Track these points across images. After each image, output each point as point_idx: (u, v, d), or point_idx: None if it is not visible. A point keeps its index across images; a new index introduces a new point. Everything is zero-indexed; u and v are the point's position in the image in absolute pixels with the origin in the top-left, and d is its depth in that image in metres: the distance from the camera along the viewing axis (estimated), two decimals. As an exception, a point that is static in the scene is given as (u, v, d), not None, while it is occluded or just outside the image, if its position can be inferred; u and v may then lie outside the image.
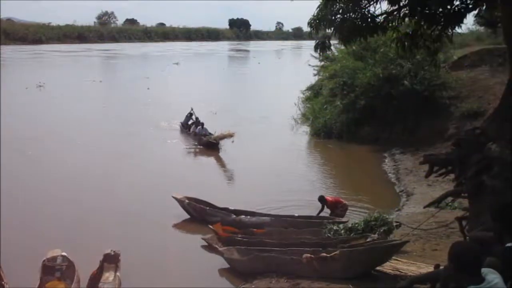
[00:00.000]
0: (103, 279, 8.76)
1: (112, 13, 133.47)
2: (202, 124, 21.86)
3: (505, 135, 7.17)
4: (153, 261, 10.26)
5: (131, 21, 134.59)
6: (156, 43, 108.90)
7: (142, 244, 11.01)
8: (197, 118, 23.06)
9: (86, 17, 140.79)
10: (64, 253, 9.03)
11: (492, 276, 3.52)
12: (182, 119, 24.22)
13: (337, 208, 12.39)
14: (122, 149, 19.84)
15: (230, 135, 19.63)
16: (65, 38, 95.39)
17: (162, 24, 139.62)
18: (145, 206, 13.36)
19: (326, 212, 12.62)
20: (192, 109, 23.91)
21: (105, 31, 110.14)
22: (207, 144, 20.14)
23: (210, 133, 21.05)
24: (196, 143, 21.06)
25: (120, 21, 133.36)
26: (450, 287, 3.77)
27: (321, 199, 12.51)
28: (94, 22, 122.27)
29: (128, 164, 17.57)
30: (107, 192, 14.54)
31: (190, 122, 23.40)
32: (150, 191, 14.58)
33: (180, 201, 12.74)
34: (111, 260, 9.13)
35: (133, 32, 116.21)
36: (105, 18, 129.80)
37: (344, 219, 11.72)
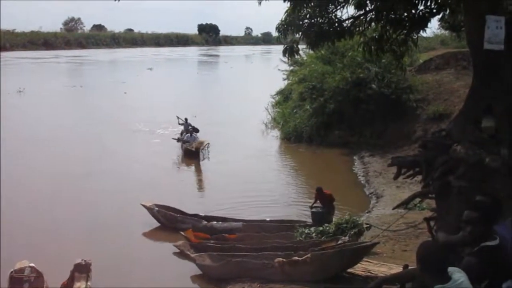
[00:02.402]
0: (74, 289, 8.61)
1: (79, 19, 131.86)
2: (191, 132, 21.51)
3: (469, 136, 7.32)
4: (125, 269, 10.15)
5: (99, 27, 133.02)
6: (124, 49, 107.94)
7: (113, 253, 10.88)
8: (189, 125, 22.67)
9: (52, 23, 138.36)
10: (32, 264, 8.84)
11: (458, 275, 3.59)
12: (161, 124, 24.06)
13: (331, 203, 12.14)
14: (95, 155, 19.65)
15: (198, 143, 19.63)
16: (31, 45, 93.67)
17: (130, 30, 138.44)
18: (115, 214, 13.22)
19: (303, 215, 12.65)
20: (178, 118, 23.22)
21: (72, 37, 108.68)
22: (186, 152, 19.97)
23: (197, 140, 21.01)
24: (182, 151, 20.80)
25: (87, 27, 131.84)
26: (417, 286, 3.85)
27: (319, 190, 12.26)
28: (61, 28, 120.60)
29: (100, 171, 17.36)
30: (77, 200, 14.33)
31: (183, 129, 22.79)
32: (121, 199, 14.40)
33: (149, 209, 12.63)
34: (82, 270, 8.97)
35: (101, 38, 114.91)
36: (72, 24, 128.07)
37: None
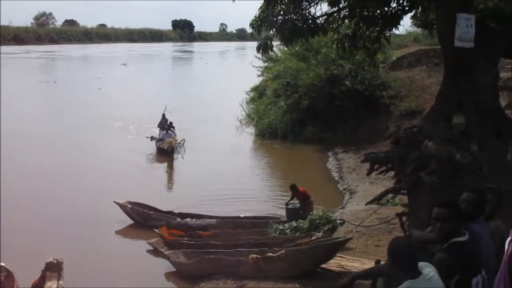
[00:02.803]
0: (45, 289, 8.47)
1: (51, 13, 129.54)
2: (167, 128, 21.25)
3: (441, 133, 7.43)
4: (98, 268, 10.04)
5: (71, 22, 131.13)
6: (97, 44, 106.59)
7: (86, 251, 10.74)
8: (166, 121, 22.47)
9: (23, 18, 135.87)
10: (2, 263, 8.68)
11: (428, 269, 3.64)
12: (137, 120, 23.83)
13: (307, 200, 12.19)
14: (68, 151, 19.39)
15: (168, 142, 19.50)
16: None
17: (103, 25, 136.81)
18: (88, 212, 13.04)
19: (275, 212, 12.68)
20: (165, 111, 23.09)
21: (43, 32, 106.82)
22: (159, 150, 19.79)
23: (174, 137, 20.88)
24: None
25: (59, 22, 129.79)
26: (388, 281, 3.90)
27: (293, 187, 12.36)
28: (31, 23, 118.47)
29: (72, 168, 17.14)
30: (49, 197, 14.12)
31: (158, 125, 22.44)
32: (94, 196, 14.23)
33: (122, 206, 12.51)
34: (53, 269, 8.81)
35: (72, 33, 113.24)
36: (43, 19, 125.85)
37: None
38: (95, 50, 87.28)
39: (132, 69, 55.93)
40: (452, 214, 4.04)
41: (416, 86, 20.82)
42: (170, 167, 18.86)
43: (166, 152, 19.31)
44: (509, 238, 1.71)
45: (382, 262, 4.23)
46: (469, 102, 7.52)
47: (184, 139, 20.99)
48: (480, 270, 3.98)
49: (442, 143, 7.26)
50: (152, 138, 20.46)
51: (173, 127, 21.87)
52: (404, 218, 8.50)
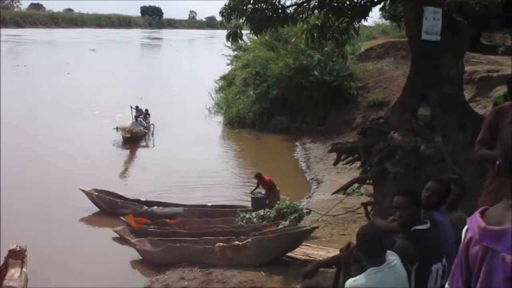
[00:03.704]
0: (8, 276, 8.31)
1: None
2: (137, 116, 20.92)
3: (406, 124, 7.54)
4: (62, 255, 9.93)
5: (36, 6, 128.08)
6: (64, 29, 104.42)
7: (50, 239, 10.61)
8: (139, 110, 22.15)
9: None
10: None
11: (391, 257, 3.72)
12: (106, 106, 23.46)
13: (272, 189, 12.22)
14: (34, 137, 19.01)
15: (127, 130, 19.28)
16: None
17: (70, 10, 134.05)
18: (53, 199, 12.85)
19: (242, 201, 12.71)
20: (132, 108, 22.43)
21: (7, 15, 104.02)
22: (123, 138, 19.52)
23: (146, 127, 20.64)
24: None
25: (24, 5, 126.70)
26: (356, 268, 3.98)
27: (258, 176, 12.38)
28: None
29: (38, 154, 16.84)
30: (13, 184, 13.81)
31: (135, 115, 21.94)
32: (59, 183, 14.01)
33: (88, 194, 12.37)
34: (16, 256, 8.68)
35: (38, 17, 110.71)
36: (7, 2, 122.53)
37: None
38: (62, 35, 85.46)
39: (101, 55, 55.06)
40: (412, 202, 4.12)
41: (383, 77, 21.05)
42: (137, 155, 18.70)
43: (129, 140, 19.12)
44: (465, 227, 1.76)
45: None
46: (434, 94, 7.64)
47: (153, 124, 20.94)
48: (440, 258, 4.08)
49: (407, 134, 7.37)
50: (117, 129, 20.05)
51: (149, 114, 21.73)
52: (369, 208, 8.62)
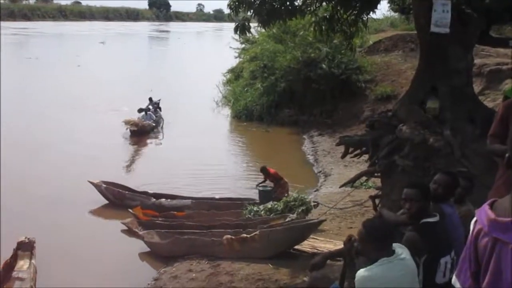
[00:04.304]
0: (18, 268, 8.38)
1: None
2: (147, 110, 20.81)
3: (415, 117, 7.51)
4: (71, 247, 9.98)
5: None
6: (72, 22, 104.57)
7: (59, 231, 10.66)
8: (154, 103, 22.14)
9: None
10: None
11: (399, 250, 3.73)
12: (117, 99, 23.48)
13: (279, 181, 12.21)
14: (45, 131, 19.09)
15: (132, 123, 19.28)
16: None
17: (78, 3, 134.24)
18: (62, 191, 12.90)
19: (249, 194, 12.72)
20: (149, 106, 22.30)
21: (16, 8, 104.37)
22: (131, 132, 19.54)
23: (155, 120, 20.65)
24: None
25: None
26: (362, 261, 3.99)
27: (264, 170, 12.40)
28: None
29: (48, 146, 16.92)
30: (22, 176, 13.91)
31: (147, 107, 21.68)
32: (68, 176, 14.06)
33: (97, 186, 12.41)
34: (25, 248, 8.74)
35: (46, 10, 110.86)
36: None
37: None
38: (70, 28, 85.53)
39: (110, 48, 55.15)
40: (421, 194, 4.13)
41: (392, 70, 20.95)
42: (141, 148, 18.75)
43: (136, 133, 19.16)
44: (474, 219, 1.77)
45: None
46: (443, 87, 7.60)
47: (162, 119, 21.03)
48: (449, 251, 4.08)
49: (416, 127, 7.35)
50: (125, 123, 19.70)
51: (160, 108, 21.77)
52: (377, 201, 8.62)
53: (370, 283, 3.60)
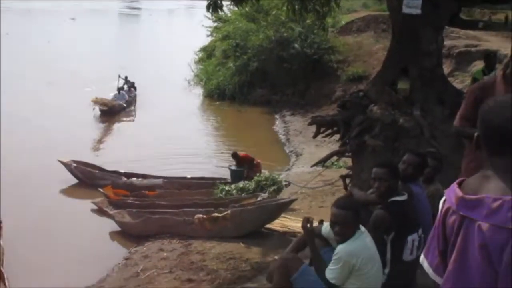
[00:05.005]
0: (-16, 248, 8.27)
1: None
2: (120, 89, 20.54)
3: (385, 97, 7.57)
4: (40, 227, 9.85)
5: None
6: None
7: (27, 211, 10.50)
8: (127, 82, 21.79)
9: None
10: None
11: (363, 228, 3.88)
12: (87, 76, 23.06)
13: (251, 163, 12.21)
14: (12, 108, 18.58)
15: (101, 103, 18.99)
16: None
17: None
18: (31, 170, 12.66)
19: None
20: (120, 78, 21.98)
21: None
22: (100, 111, 19.24)
23: (128, 100, 20.35)
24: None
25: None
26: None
27: (235, 155, 12.40)
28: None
29: (16, 123, 16.53)
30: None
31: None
32: (37, 155, 13.79)
33: (66, 165, 12.26)
34: (-8, 228, 8.62)
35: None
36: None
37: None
38: (39, 4, 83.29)
39: (81, 24, 53.96)
40: (390, 173, 4.19)
41: (363, 51, 21.03)
42: (112, 127, 18.53)
43: (106, 113, 18.90)
44: (443, 198, 1.80)
45: (325, 222, 4.34)
46: (414, 68, 7.66)
47: (135, 94, 20.78)
48: (417, 229, 4.16)
49: (387, 107, 7.41)
50: (94, 102, 19.40)
51: (135, 88, 21.47)
52: (347, 180, 8.70)
53: (355, 255, 3.78)
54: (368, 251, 3.85)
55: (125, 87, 21.15)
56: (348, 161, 9.92)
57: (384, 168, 4.24)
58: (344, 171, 10.23)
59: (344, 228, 3.83)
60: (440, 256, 1.87)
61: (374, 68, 17.74)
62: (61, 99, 20.55)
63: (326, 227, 4.18)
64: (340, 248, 3.83)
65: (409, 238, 4.09)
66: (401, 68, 7.74)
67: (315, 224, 4.33)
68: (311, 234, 4.19)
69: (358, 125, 7.66)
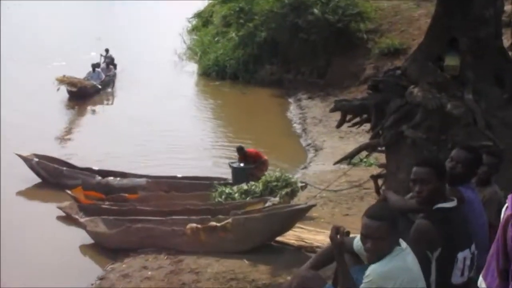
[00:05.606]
0: None
1: None
2: (96, 66, 20.69)
3: (429, 77, 7.51)
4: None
5: None
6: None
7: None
8: (107, 57, 21.90)
9: None
10: None
11: (404, 244, 3.82)
12: (53, 53, 23.05)
13: (259, 160, 12.25)
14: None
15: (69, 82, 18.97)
16: None
17: None
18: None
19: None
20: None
21: None
22: (69, 93, 19.23)
23: (105, 80, 20.44)
24: None
25: None
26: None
27: (240, 150, 12.36)
28: None
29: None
30: None
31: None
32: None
33: (26, 160, 12.30)
34: None
35: None
36: None
37: None
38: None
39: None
40: (434, 174, 4.14)
41: (401, 18, 20.97)
42: (84, 113, 18.58)
43: (75, 95, 18.91)
44: (506, 205, 1.76)
45: (352, 235, 4.32)
46: (465, 39, 7.60)
47: (115, 72, 20.84)
48: (469, 244, 4.12)
49: (430, 89, 7.36)
50: (60, 80, 19.47)
51: (114, 65, 21.52)
52: (380, 182, 8.68)
53: (391, 279, 3.70)
54: (410, 273, 3.76)
55: (102, 63, 21.18)
56: (381, 158, 9.89)
57: (427, 167, 4.20)
58: (375, 170, 10.21)
59: (378, 244, 3.79)
60: (500, 276, 1.85)
61: (415, 39, 17.68)
62: (21, 77, 20.61)
63: (358, 241, 4.14)
64: (372, 269, 3.77)
65: (460, 256, 4.05)
66: (449, 40, 7.68)
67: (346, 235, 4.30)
68: (340, 247, 4.16)
69: (394, 111, 7.62)
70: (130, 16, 38.11)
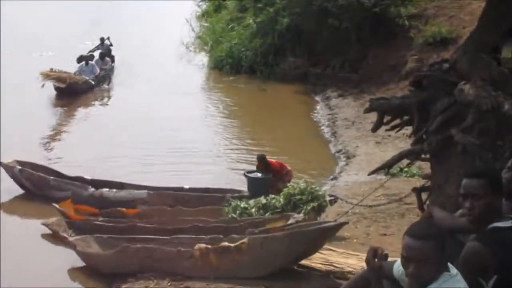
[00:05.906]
0: None
1: None
2: (89, 58, 20.86)
3: (483, 72, 7.48)
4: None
5: None
6: None
7: None
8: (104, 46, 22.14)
9: None
10: None
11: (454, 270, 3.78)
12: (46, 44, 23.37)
13: (282, 174, 12.26)
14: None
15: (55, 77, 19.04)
16: None
17: None
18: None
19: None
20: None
21: None
22: (56, 89, 19.33)
23: (100, 75, 20.61)
24: None
25: None
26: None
27: (262, 159, 12.35)
28: None
29: None
30: None
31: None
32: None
33: (7, 168, 12.38)
34: None
35: None
36: None
37: None
38: None
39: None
40: (489, 187, 4.11)
41: (450, 1, 20.89)
42: (74, 113, 18.69)
43: (64, 91, 19.00)
44: None
45: (398, 259, 4.31)
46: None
47: (113, 65, 20.92)
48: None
49: (485, 86, 7.34)
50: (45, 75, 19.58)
51: (112, 57, 21.64)
52: (424, 196, 8.65)
53: None
54: None
55: (95, 55, 21.29)
56: (425, 167, 9.85)
57: (480, 178, 4.17)
58: (419, 182, 10.17)
59: (422, 268, 3.76)
60: None
61: (466, 27, 17.62)
62: (6, 71, 20.72)
63: (399, 266, 4.13)
64: None
65: (519, 283, 4.03)
66: (507, 29, 7.66)
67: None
68: (378, 273, 4.15)
69: (442, 112, 7.60)
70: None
